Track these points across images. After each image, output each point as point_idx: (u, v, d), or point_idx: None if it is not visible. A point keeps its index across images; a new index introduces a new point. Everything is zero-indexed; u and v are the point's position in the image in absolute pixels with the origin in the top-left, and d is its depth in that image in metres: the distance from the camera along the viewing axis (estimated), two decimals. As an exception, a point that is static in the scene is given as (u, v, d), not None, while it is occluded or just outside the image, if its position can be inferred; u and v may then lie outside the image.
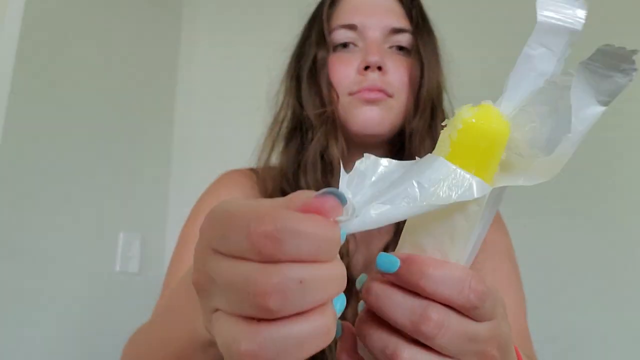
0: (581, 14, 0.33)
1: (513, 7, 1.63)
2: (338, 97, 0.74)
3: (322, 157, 0.74)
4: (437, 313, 0.31)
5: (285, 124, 0.79)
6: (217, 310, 0.28)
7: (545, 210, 1.50)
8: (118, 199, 1.63)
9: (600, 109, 0.33)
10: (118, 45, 1.72)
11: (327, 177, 0.73)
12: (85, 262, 1.50)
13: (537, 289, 1.45)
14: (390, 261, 0.32)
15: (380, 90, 0.72)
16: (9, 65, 1.41)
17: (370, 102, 0.72)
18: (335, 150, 0.73)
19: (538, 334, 1.40)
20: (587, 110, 0.33)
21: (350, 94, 0.73)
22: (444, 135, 0.34)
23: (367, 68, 0.72)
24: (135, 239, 1.64)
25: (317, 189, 0.70)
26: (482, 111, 0.33)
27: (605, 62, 0.32)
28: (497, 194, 0.35)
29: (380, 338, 0.33)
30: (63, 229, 1.46)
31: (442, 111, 0.78)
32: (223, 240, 0.27)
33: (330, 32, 0.76)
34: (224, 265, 0.27)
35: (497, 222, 0.81)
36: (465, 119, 0.33)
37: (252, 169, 0.80)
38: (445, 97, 0.80)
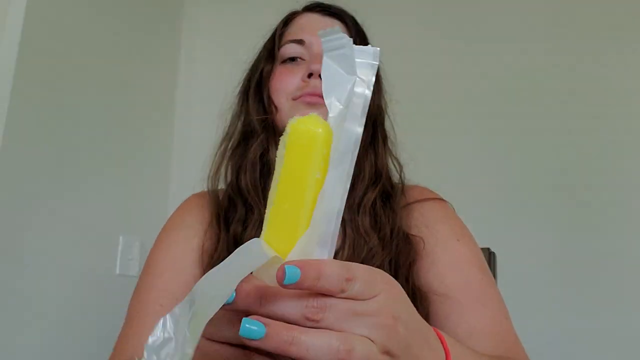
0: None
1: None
2: (276, 108, 0.81)
3: (261, 159, 0.80)
4: (317, 301, 0.36)
5: (234, 137, 0.86)
6: None
7: (547, 217, 1.51)
8: (118, 202, 1.63)
9: (352, 78, 0.41)
10: (118, 49, 1.72)
11: (264, 178, 0.79)
12: (85, 265, 1.51)
13: (533, 295, 1.45)
14: (294, 273, 0.35)
15: (321, 96, 0.75)
16: (10, 67, 1.42)
17: (311, 105, 0.78)
18: (273, 154, 0.77)
19: (531, 338, 1.41)
20: (346, 85, 0.42)
21: (294, 98, 0.80)
22: (281, 144, 0.41)
23: (310, 76, 0.78)
24: (135, 241, 1.65)
25: (255, 188, 0.75)
26: (305, 118, 0.41)
27: (331, 46, 0.43)
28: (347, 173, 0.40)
29: (279, 332, 0.35)
30: (63, 232, 1.47)
31: (384, 130, 0.87)
32: None
33: (280, 47, 0.84)
34: None
35: (446, 213, 0.84)
36: (293, 124, 0.40)
37: (207, 191, 0.86)
38: (387, 119, 0.89)
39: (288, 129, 0.40)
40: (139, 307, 0.76)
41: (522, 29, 1.65)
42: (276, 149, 0.79)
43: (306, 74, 0.79)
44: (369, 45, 0.42)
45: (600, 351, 1.37)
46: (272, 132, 0.81)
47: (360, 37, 0.87)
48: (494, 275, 1.01)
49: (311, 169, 0.40)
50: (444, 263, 0.75)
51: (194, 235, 0.80)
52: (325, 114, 0.77)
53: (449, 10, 1.75)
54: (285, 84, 0.80)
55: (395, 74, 1.72)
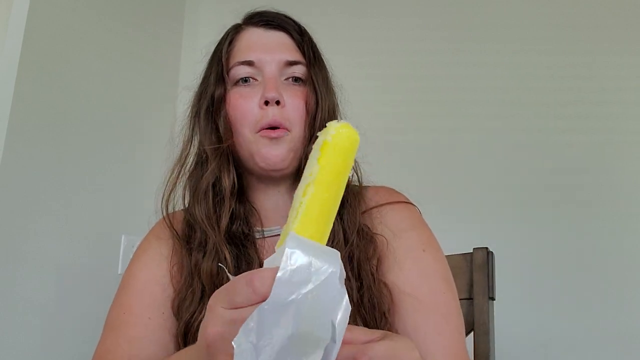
0: None
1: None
2: (234, 134, 0.80)
3: (214, 188, 0.80)
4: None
5: (189, 161, 0.86)
6: None
7: (545, 217, 1.51)
8: (120, 202, 1.64)
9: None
10: (119, 51, 1.73)
11: (217, 208, 0.79)
12: (87, 265, 1.52)
13: (532, 295, 1.46)
14: None
15: (280, 125, 0.78)
16: (12, 69, 1.43)
17: (274, 140, 0.78)
18: (226, 182, 0.79)
19: (531, 339, 1.42)
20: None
21: (256, 131, 0.79)
22: (316, 145, 0.48)
23: (267, 103, 0.78)
24: (137, 241, 1.65)
25: (209, 219, 0.76)
26: (345, 124, 0.48)
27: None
28: None
29: None
30: (65, 232, 1.48)
31: None
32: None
33: (230, 69, 0.82)
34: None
35: (412, 219, 0.83)
36: (337, 127, 0.48)
37: (165, 209, 0.87)
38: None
39: (332, 130, 0.48)
40: (126, 319, 0.77)
41: (520, 29, 1.66)
42: (228, 176, 0.79)
43: (262, 102, 0.78)
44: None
45: (599, 350, 1.37)
46: (226, 159, 0.80)
47: (307, 46, 0.84)
48: (493, 275, 1.01)
49: (349, 168, 0.50)
50: (410, 273, 0.76)
51: (164, 257, 0.82)
52: (287, 144, 0.78)
53: (448, 10, 1.75)
54: (243, 111, 0.79)
55: (394, 74, 1.74)
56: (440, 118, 1.68)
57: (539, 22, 1.64)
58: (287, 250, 0.43)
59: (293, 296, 0.42)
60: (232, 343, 0.41)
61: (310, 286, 0.42)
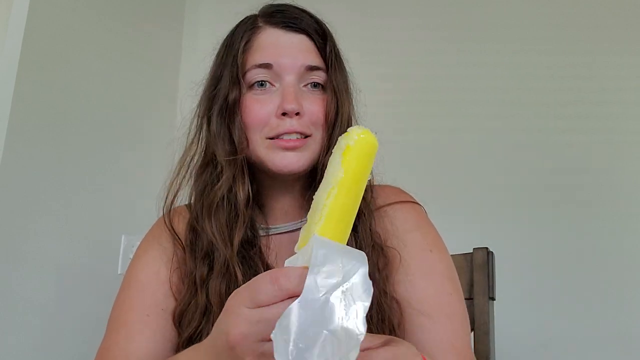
0: None
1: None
2: (248, 141, 0.76)
3: (228, 200, 0.76)
4: None
5: (194, 164, 0.81)
6: None
7: (545, 217, 1.51)
8: (120, 202, 1.64)
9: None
10: (120, 50, 1.73)
11: (231, 224, 0.75)
12: (87, 265, 1.52)
13: (532, 295, 1.46)
14: None
15: (298, 133, 0.75)
16: (12, 69, 1.43)
17: (289, 149, 0.75)
18: (241, 194, 0.75)
19: (531, 339, 1.41)
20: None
21: (269, 137, 0.75)
22: (338, 149, 0.50)
23: (284, 114, 0.74)
24: (137, 241, 1.65)
25: (221, 234, 0.73)
26: (366, 130, 0.50)
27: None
28: None
29: None
30: (65, 232, 1.48)
31: None
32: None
33: (245, 72, 0.77)
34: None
35: (418, 219, 0.82)
36: (359, 133, 0.50)
37: (167, 214, 0.83)
38: (354, 123, 0.82)
39: (354, 136, 0.49)
40: (126, 317, 0.77)
41: (520, 29, 1.66)
42: (243, 188, 0.76)
43: (280, 112, 0.74)
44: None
45: (599, 350, 1.37)
46: (241, 170, 0.76)
47: (329, 50, 0.79)
48: (493, 275, 1.01)
49: (368, 173, 0.51)
50: (416, 274, 0.75)
51: (165, 258, 0.81)
52: (304, 151, 0.75)
53: (448, 10, 1.75)
54: (257, 118, 0.75)
55: (394, 74, 1.73)
56: (440, 118, 1.68)
57: (539, 22, 1.64)
58: (316, 251, 0.44)
59: (325, 294, 0.42)
60: (271, 336, 0.41)
61: (342, 283, 0.43)
